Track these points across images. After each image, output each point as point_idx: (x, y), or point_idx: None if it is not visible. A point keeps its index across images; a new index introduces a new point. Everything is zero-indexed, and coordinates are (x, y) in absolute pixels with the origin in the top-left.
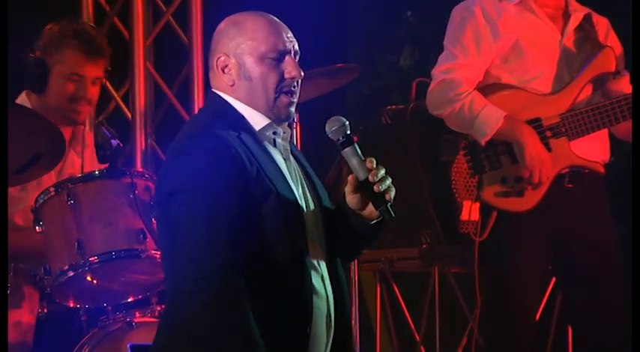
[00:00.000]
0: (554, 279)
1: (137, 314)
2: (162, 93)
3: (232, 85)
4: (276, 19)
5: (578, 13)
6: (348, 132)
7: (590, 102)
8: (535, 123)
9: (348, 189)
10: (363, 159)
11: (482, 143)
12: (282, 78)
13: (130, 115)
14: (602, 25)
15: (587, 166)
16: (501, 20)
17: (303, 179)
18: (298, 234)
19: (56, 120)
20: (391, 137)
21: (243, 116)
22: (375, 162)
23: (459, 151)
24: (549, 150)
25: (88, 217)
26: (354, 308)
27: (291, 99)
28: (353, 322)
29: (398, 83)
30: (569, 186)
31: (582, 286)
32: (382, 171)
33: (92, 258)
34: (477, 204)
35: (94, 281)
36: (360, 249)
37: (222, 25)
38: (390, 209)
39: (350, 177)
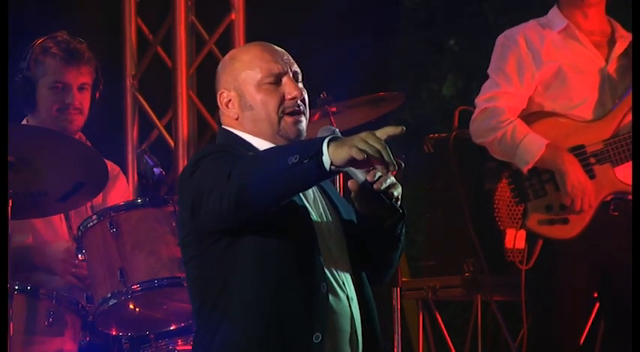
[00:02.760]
0: (598, 304)
1: (179, 342)
2: (206, 122)
3: (237, 119)
4: (271, 45)
5: (624, 39)
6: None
7: None
8: (579, 150)
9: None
10: None
11: (525, 171)
12: (282, 100)
13: (172, 144)
14: None
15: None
16: (544, 48)
17: (324, 202)
18: (307, 255)
19: None
20: (434, 165)
21: (252, 144)
22: None
23: (501, 179)
24: (593, 177)
25: (131, 245)
26: (396, 337)
27: (298, 118)
28: (395, 350)
29: (440, 111)
30: (615, 213)
31: (624, 313)
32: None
33: (135, 286)
34: (523, 232)
35: (137, 310)
36: (388, 261)
37: (221, 63)
38: (395, 205)
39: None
